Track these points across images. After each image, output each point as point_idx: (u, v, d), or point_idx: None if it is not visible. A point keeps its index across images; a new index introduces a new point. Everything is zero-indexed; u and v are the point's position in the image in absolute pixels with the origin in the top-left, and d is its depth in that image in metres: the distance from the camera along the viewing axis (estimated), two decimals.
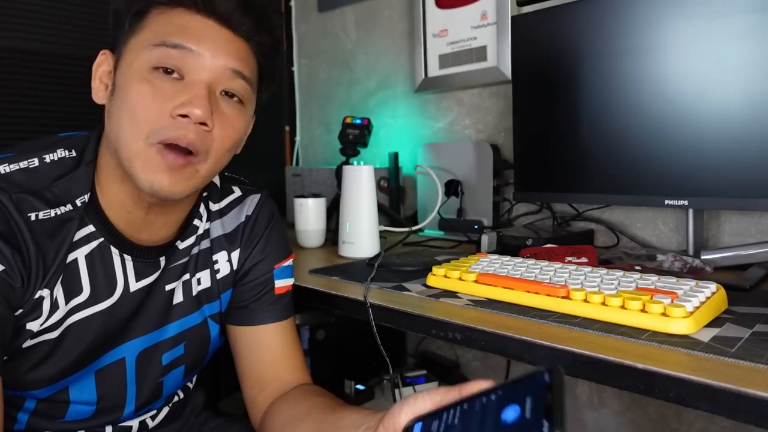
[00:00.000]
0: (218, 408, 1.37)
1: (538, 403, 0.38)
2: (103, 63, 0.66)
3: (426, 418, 0.48)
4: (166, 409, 0.81)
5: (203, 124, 0.61)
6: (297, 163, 1.94)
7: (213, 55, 0.62)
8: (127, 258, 0.67)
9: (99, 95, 0.66)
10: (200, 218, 0.75)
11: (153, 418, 0.79)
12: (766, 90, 0.83)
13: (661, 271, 0.86)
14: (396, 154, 1.46)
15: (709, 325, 0.61)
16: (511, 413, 0.39)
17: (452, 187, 1.32)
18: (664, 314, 0.59)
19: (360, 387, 1.34)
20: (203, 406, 0.90)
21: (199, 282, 0.75)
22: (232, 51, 0.64)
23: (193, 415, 0.87)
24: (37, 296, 0.60)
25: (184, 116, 0.60)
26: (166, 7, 0.63)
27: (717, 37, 0.87)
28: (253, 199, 0.80)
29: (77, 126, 0.74)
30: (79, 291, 0.64)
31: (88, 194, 0.64)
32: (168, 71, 0.61)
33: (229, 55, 0.63)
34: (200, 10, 0.63)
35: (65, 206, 0.62)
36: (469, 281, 0.78)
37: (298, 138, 1.93)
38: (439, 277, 0.82)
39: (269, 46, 0.69)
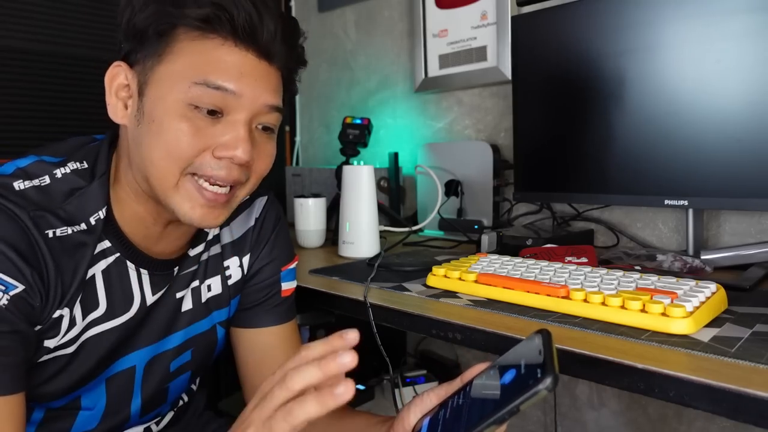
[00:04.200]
0: (218, 407, 1.37)
1: (531, 360, 0.41)
2: (117, 76, 0.62)
3: (432, 412, 0.49)
4: (170, 414, 0.80)
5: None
6: (297, 163, 1.94)
7: (252, 93, 0.60)
8: (144, 272, 0.66)
9: (118, 115, 0.62)
10: None
11: (158, 423, 0.78)
12: (766, 90, 0.83)
13: (661, 271, 0.86)
14: (396, 154, 1.46)
15: (709, 325, 0.61)
16: (509, 376, 0.43)
17: (452, 187, 1.32)
18: (664, 314, 0.59)
19: (360, 387, 1.34)
20: (204, 406, 0.90)
21: (209, 288, 0.74)
22: (270, 86, 0.62)
23: (195, 416, 0.87)
24: (56, 315, 0.59)
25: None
26: (198, 33, 0.58)
27: (717, 37, 0.87)
28: (261, 202, 0.80)
29: (77, 126, 0.73)
30: (95, 306, 0.63)
31: (104, 208, 0.62)
32: (207, 110, 0.59)
33: (267, 91, 0.62)
34: (240, 41, 0.59)
35: (80, 225, 0.60)
36: (469, 281, 0.78)
37: (298, 138, 1.93)
38: (439, 277, 0.82)
39: (296, 69, 0.69)
